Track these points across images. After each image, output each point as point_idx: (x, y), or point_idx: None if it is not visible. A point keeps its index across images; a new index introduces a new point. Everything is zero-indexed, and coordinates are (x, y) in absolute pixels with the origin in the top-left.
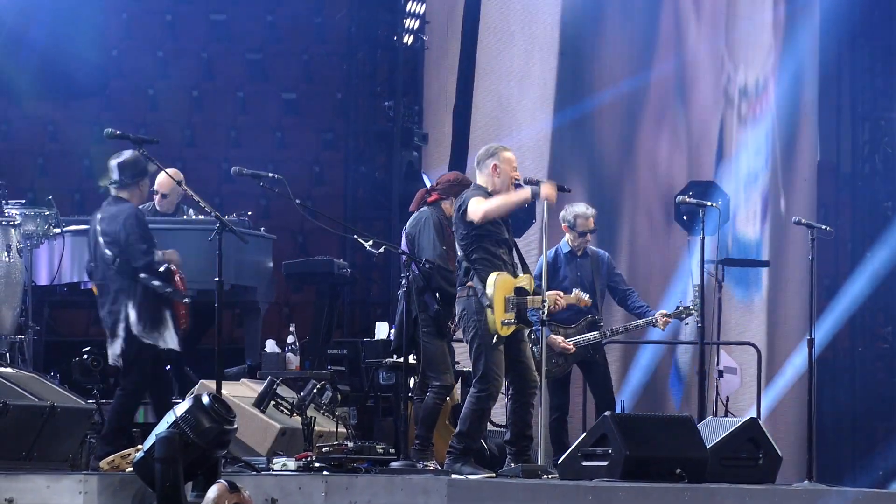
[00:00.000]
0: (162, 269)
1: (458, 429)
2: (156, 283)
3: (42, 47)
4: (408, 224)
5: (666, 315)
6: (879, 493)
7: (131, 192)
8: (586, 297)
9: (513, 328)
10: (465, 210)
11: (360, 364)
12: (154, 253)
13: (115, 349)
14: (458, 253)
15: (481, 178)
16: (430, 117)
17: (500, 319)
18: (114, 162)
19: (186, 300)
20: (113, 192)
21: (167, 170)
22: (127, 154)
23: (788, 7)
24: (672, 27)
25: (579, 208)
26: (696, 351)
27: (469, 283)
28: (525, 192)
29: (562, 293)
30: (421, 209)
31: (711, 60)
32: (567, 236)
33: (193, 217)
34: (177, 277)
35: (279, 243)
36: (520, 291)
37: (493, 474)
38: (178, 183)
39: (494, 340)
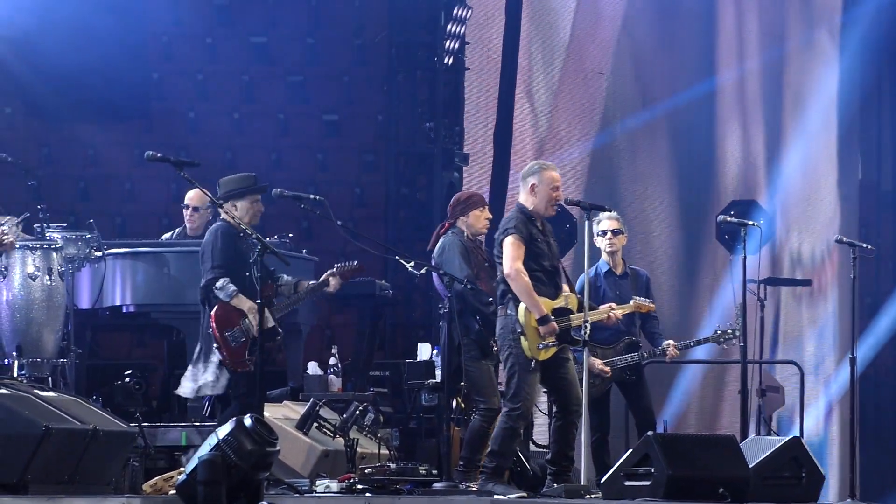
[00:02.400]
0: (221, 294)
1: (489, 448)
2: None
3: (82, 71)
4: (434, 253)
5: (676, 345)
6: None
7: (227, 210)
8: (647, 302)
9: (553, 350)
10: (503, 242)
11: (402, 385)
12: (217, 278)
13: (208, 376)
14: (498, 274)
15: (522, 195)
16: (470, 138)
17: (534, 345)
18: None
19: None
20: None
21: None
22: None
23: (830, 27)
24: (715, 49)
25: (602, 213)
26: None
27: (507, 310)
28: (541, 312)
29: (615, 305)
30: (443, 237)
31: (746, 80)
32: (601, 247)
33: None
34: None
35: (321, 265)
36: (560, 312)
37: (526, 494)
38: (219, 206)
39: (532, 365)
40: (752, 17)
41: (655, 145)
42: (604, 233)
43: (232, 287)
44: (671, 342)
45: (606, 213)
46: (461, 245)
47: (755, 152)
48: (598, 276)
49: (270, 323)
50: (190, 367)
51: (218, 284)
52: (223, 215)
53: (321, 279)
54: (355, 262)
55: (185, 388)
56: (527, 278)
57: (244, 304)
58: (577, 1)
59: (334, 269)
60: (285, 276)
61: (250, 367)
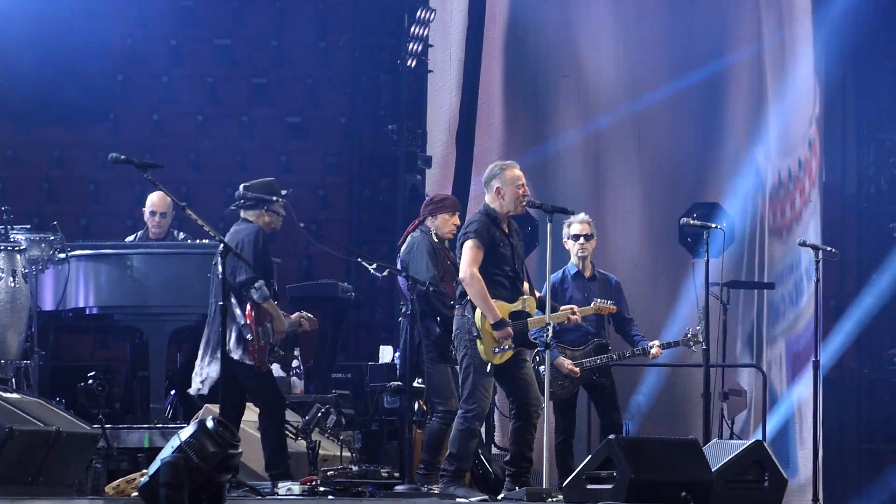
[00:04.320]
0: (256, 295)
1: (448, 451)
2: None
3: (47, 73)
4: (402, 251)
5: (660, 345)
6: None
7: (256, 213)
8: (608, 303)
9: (509, 354)
10: (463, 245)
11: (364, 388)
12: (256, 278)
13: (211, 371)
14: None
15: (488, 198)
16: (433, 140)
17: (489, 348)
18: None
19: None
20: (241, 214)
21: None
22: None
23: (792, 28)
24: (670, 51)
25: (574, 217)
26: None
27: (464, 311)
28: (496, 317)
29: (576, 307)
30: (412, 234)
31: (713, 84)
32: (571, 250)
33: (181, 241)
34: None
35: (284, 267)
36: (517, 315)
37: (487, 497)
38: (183, 208)
39: (488, 368)
40: (717, 20)
41: (619, 148)
42: (576, 237)
43: (267, 291)
44: (656, 342)
45: (578, 217)
46: (430, 245)
47: (718, 154)
48: (566, 278)
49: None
50: (197, 363)
51: (256, 285)
52: (251, 219)
53: (293, 317)
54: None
55: (195, 386)
56: (481, 283)
57: (274, 310)
58: (540, 3)
59: (303, 316)
60: None
61: (268, 368)
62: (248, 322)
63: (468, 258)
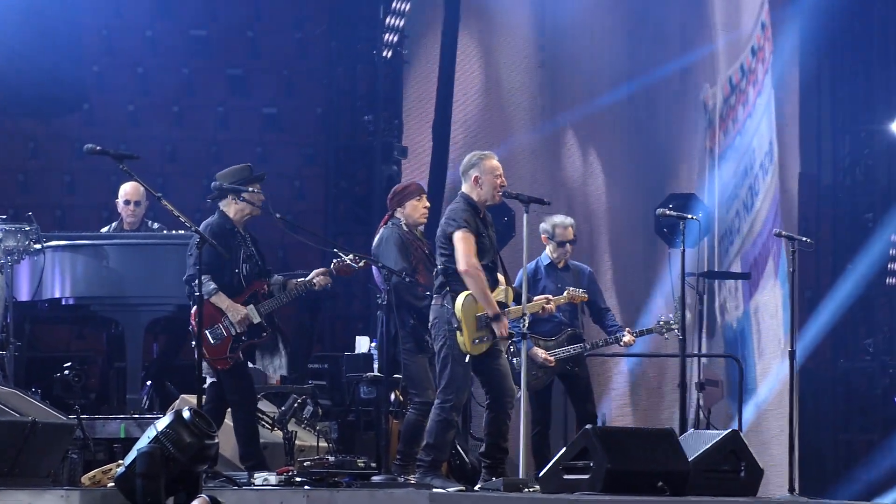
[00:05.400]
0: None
1: (425, 441)
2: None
3: (21, 64)
4: (373, 245)
5: (631, 333)
6: None
7: (225, 202)
8: (580, 292)
9: (487, 345)
10: (452, 236)
11: (340, 378)
12: (195, 276)
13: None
14: (438, 264)
15: (466, 187)
16: (409, 131)
17: (469, 339)
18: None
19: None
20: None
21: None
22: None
23: (768, 19)
24: (650, 43)
25: (558, 219)
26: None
27: (443, 301)
28: (495, 310)
29: (550, 297)
30: (382, 229)
31: (686, 75)
32: (547, 248)
33: (156, 230)
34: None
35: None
36: (497, 306)
37: (464, 487)
38: (159, 198)
39: (467, 359)
40: (695, 9)
41: (595, 138)
42: (562, 244)
43: (212, 285)
44: (627, 329)
45: (564, 222)
46: (398, 237)
47: (694, 145)
48: (540, 268)
49: (256, 319)
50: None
51: (193, 284)
52: (223, 208)
53: (308, 277)
54: (350, 256)
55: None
56: (482, 275)
57: (223, 302)
58: None
59: (332, 268)
60: (276, 276)
61: (230, 364)
62: (192, 325)
63: (464, 249)
